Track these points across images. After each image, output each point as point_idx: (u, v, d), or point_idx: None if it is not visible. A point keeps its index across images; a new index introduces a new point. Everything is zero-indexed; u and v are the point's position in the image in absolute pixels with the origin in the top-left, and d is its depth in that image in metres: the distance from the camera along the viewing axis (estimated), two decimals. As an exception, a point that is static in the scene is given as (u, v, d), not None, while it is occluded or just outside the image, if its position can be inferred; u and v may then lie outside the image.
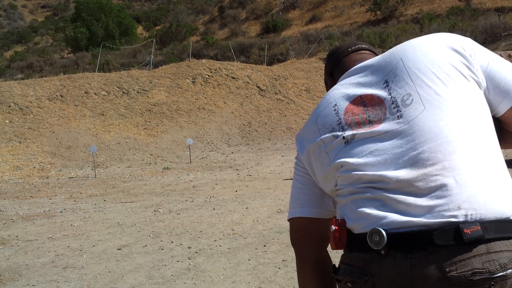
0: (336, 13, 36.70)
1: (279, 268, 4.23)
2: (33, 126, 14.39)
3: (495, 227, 0.99)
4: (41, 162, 12.58)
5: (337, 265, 1.17)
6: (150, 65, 22.34)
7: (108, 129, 15.25)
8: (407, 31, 24.35)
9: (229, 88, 19.49)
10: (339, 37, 26.80)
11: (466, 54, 1.15)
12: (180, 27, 40.54)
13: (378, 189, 1.08)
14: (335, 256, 1.22)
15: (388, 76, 1.18)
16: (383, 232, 1.01)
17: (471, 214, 0.99)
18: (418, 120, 1.09)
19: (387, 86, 1.17)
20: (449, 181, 1.02)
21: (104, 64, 26.38)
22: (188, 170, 11.55)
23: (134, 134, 15.33)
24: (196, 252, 4.87)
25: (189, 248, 5.04)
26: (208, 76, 19.82)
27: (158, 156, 14.13)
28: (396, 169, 1.07)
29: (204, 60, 21.68)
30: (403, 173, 1.06)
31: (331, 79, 1.44)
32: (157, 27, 48.76)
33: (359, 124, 1.17)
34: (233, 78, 20.09)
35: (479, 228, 0.97)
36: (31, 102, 15.62)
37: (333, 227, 1.12)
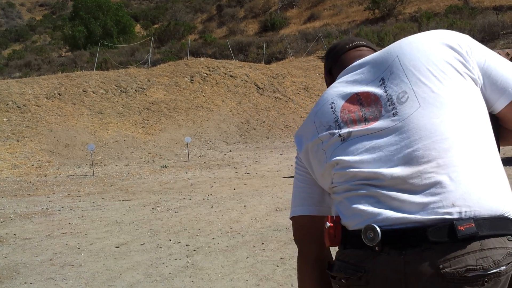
0: (334, 12, 36.71)
1: (277, 266, 4.24)
2: (31, 124, 14.37)
3: (489, 224, 1.00)
4: (39, 160, 12.57)
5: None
6: (148, 64, 22.30)
7: (106, 127, 15.24)
8: (405, 30, 24.36)
9: (227, 86, 19.48)
10: (337, 36, 26.81)
11: (462, 52, 1.16)
12: (178, 25, 40.50)
13: (372, 186, 1.08)
14: (334, 254, 1.22)
15: (384, 73, 1.19)
16: (378, 229, 1.02)
17: (465, 211, 1.00)
18: (413, 118, 1.09)
19: (383, 83, 1.17)
20: (444, 178, 1.03)
21: (102, 62, 26.32)
22: (186, 168, 11.55)
23: (132, 133, 15.32)
24: (194, 250, 4.88)
25: (187, 246, 5.04)
26: (206, 74, 19.81)
27: (156, 154, 14.13)
28: (391, 166, 1.07)
29: (202, 59, 21.65)
30: (397, 170, 1.06)
31: (330, 77, 1.45)
32: (155, 26, 48.68)
33: (355, 122, 1.17)
34: (231, 76, 20.08)
35: (473, 225, 0.98)
36: (29, 101, 15.60)
37: (328, 224, 1.13)
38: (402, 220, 1.02)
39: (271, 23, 37.42)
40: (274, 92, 19.85)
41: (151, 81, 18.55)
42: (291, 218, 1.34)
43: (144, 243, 5.23)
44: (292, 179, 1.39)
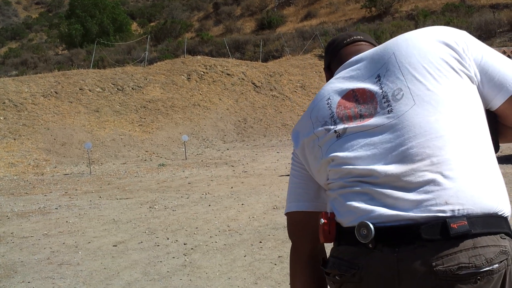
0: (331, 10, 36.66)
1: (275, 264, 4.25)
2: (28, 122, 14.34)
3: (482, 222, 1.00)
4: (36, 159, 12.55)
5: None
6: (145, 62, 22.26)
7: (103, 125, 15.22)
8: (402, 28, 24.36)
9: (224, 84, 19.47)
10: (334, 34, 26.75)
11: (458, 49, 1.15)
12: (175, 23, 40.38)
13: (367, 183, 1.09)
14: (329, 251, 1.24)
15: (380, 70, 1.19)
16: (371, 226, 1.02)
17: (458, 209, 1.00)
18: (407, 115, 1.10)
19: (379, 80, 1.17)
20: (437, 176, 1.03)
21: (98, 60, 26.25)
22: (183, 167, 11.55)
23: (129, 131, 15.31)
24: (191, 249, 4.89)
25: (184, 244, 5.05)
26: (203, 72, 19.79)
27: (153, 153, 14.12)
28: (385, 163, 1.08)
29: (199, 57, 21.63)
30: (392, 168, 1.07)
31: (329, 72, 1.44)
32: (151, 24, 48.51)
33: (350, 118, 1.17)
34: (228, 74, 20.07)
35: (466, 223, 0.98)
36: (25, 99, 15.56)
37: (322, 220, 1.13)
38: (395, 218, 1.02)
39: (268, 21, 37.34)
40: (271, 90, 19.85)
41: (148, 79, 18.53)
42: (286, 214, 1.34)
43: (141, 242, 5.24)
44: (290, 177, 1.40)
